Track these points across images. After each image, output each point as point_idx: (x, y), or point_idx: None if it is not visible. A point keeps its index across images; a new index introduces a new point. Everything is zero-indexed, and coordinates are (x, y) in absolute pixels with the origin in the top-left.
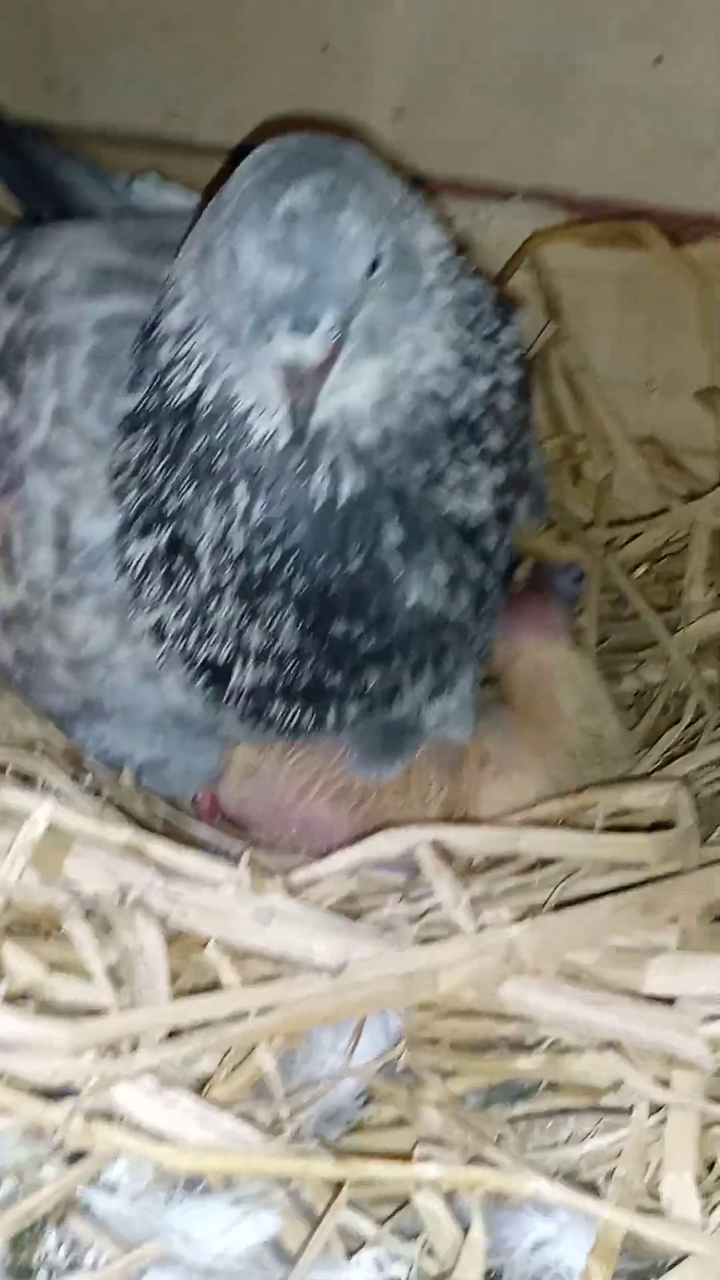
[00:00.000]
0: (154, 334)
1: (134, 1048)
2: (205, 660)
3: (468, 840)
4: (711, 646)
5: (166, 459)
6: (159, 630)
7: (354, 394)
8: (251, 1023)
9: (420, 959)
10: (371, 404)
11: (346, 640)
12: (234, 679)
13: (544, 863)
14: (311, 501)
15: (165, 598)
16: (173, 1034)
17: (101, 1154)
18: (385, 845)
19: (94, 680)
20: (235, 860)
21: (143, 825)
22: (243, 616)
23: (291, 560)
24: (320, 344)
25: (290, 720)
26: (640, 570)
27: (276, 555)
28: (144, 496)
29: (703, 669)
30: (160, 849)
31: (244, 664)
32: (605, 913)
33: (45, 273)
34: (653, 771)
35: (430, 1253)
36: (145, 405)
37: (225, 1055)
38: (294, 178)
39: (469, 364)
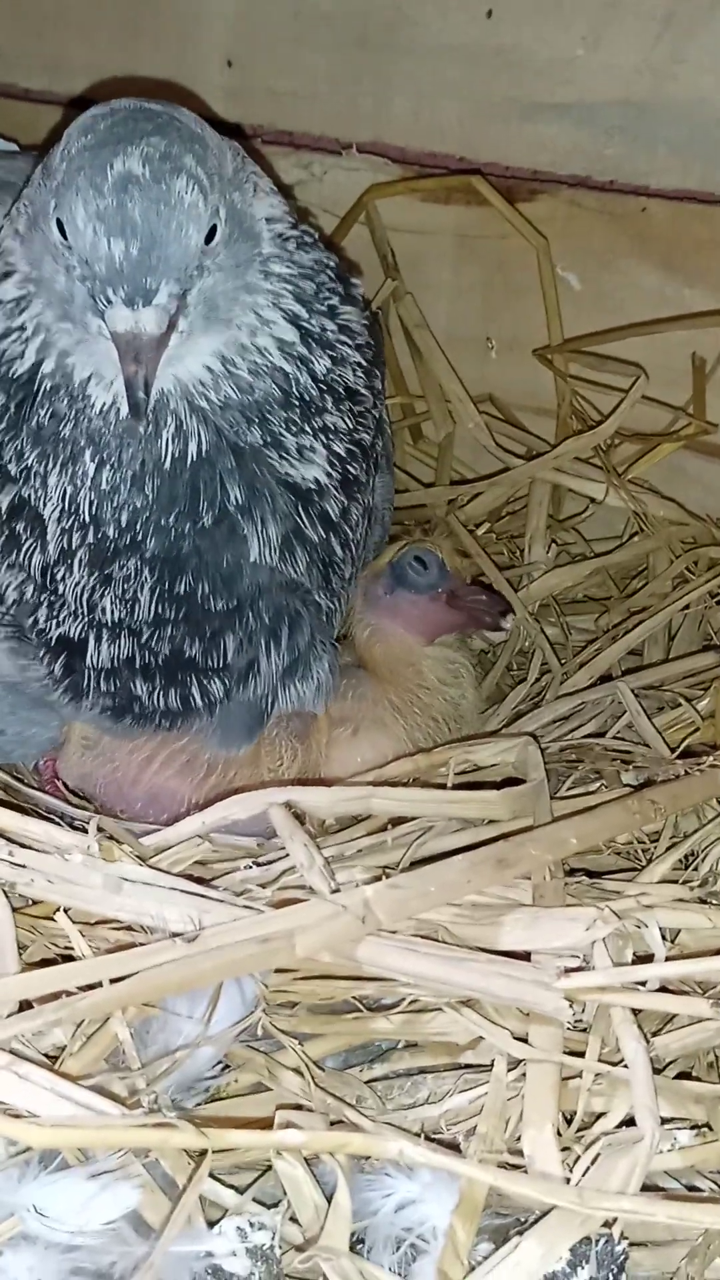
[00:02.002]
0: None
1: None
2: (59, 638)
3: (319, 800)
4: (553, 604)
5: (3, 425)
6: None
7: (192, 364)
8: (104, 992)
9: (275, 922)
10: (211, 374)
11: (202, 602)
12: (89, 656)
13: (397, 822)
14: (159, 462)
15: (6, 563)
16: (22, 1006)
17: None
18: (236, 808)
19: None
20: (83, 828)
21: None
22: (95, 585)
23: (143, 520)
24: (157, 317)
25: (155, 701)
26: (482, 528)
27: (126, 516)
28: None
29: (546, 626)
30: (4, 816)
31: (99, 639)
32: (459, 870)
33: None
34: (501, 729)
35: (293, 1219)
36: None
37: (78, 1026)
38: (125, 143)
39: (307, 340)
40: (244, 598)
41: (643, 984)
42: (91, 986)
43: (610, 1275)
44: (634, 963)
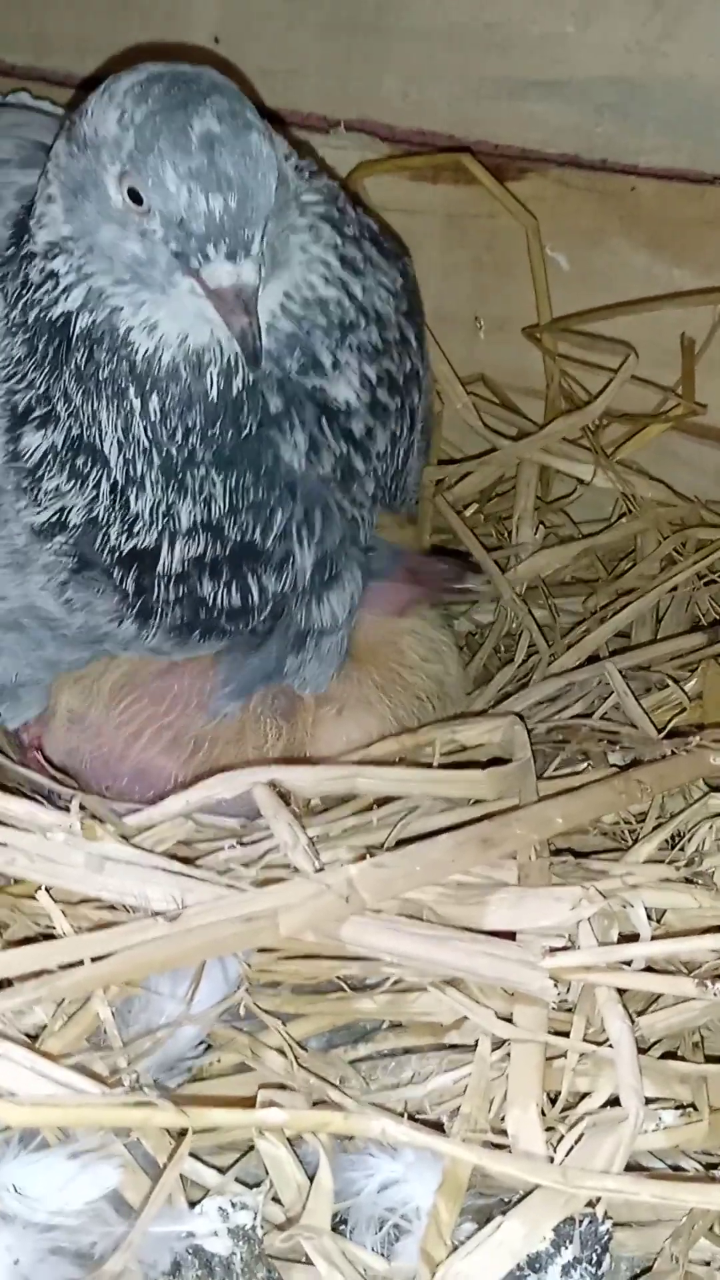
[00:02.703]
0: (22, 249)
1: None
2: (132, 550)
3: (304, 779)
4: (541, 586)
5: (46, 369)
6: (59, 523)
7: (262, 309)
8: (86, 971)
9: (259, 901)
10: (270, 317)
11: (255, 492)
12: (162, 563)
13: (383, 802)
14: (205, 393)
15: (71, 492)
16: (2, 985)
17: None
18: (221, 787)
19: None
20: (65, 806)
21: None
22: (169, 497)
23: (195, 435)
24: (256, 267)
25: (220, 600)
26: (470, 509)
27: (180, 435)
28: (31, 396)
29: (533, 608)
30: None
31: (173, 544)
32: (444, 849)
33: None
34: (488, 710)
35: (275, 1199)
36: (11, 315)
37: (59, 1005)
38: (195, 104)
39: (345, 264)
40: (284, 489)
41: (628, 963)
42: (73, 965)
43: (594, 1255)
44: (619, 942)
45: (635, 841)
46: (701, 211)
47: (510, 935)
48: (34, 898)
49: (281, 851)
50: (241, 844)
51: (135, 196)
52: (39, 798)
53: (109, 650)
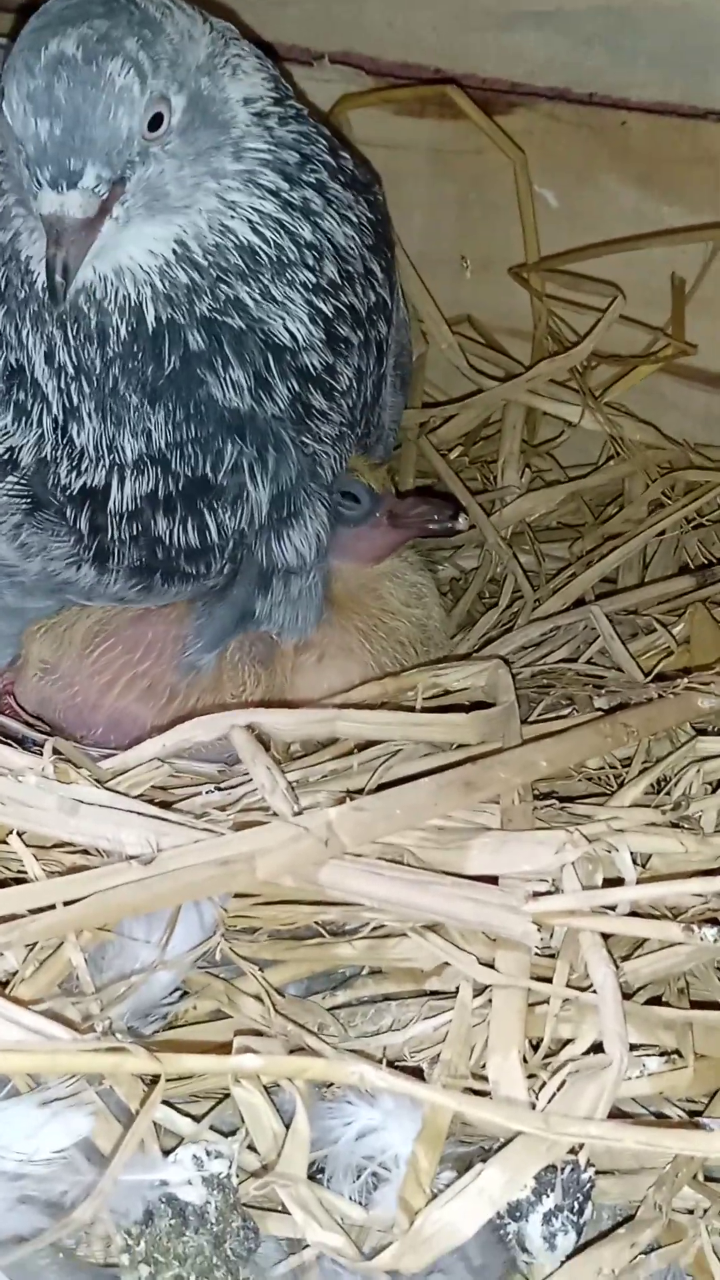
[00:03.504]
0: None
1: None
2: (81, 489)
3: (283, 723)
4: (527, 530)
5: None
6: (10, 462)
7: (136, 251)
8: (57, 915)
9: (236, 845)
10: (160, 259)
11: (200, 427)
12: (112, 500)
13: (363, 747)
14: (115, 329)
15: (19, 430)
16: None
17: None
18: (198, 730)
19: None
20: (39, 750)
21: None
22: (109, 429)
23: (119, 368)
24: (82, 200)
25: (176, 539)
26: (454, 453)
27: (100, 367)
28: None
29: (518, 553)
30: None
31: (121, 480)
32: (426, 793)
33: None
34: (471, 654)
35: (251, 1148)
36: None
37: (30, 950)
38: (66, 25)
39: (289, 209)
40: (228, 425)
41: (612, 908)
42: (44, 910)
43: (576, 1203)
44: (604, 887)
45: (621, 786)
46: (693, 148)
47: (492, 880)
48: (5, 841)
49: (259, 795)
50: (219, 789)
51: (10, 114)
52: (11, 743)
53: (73, 600)
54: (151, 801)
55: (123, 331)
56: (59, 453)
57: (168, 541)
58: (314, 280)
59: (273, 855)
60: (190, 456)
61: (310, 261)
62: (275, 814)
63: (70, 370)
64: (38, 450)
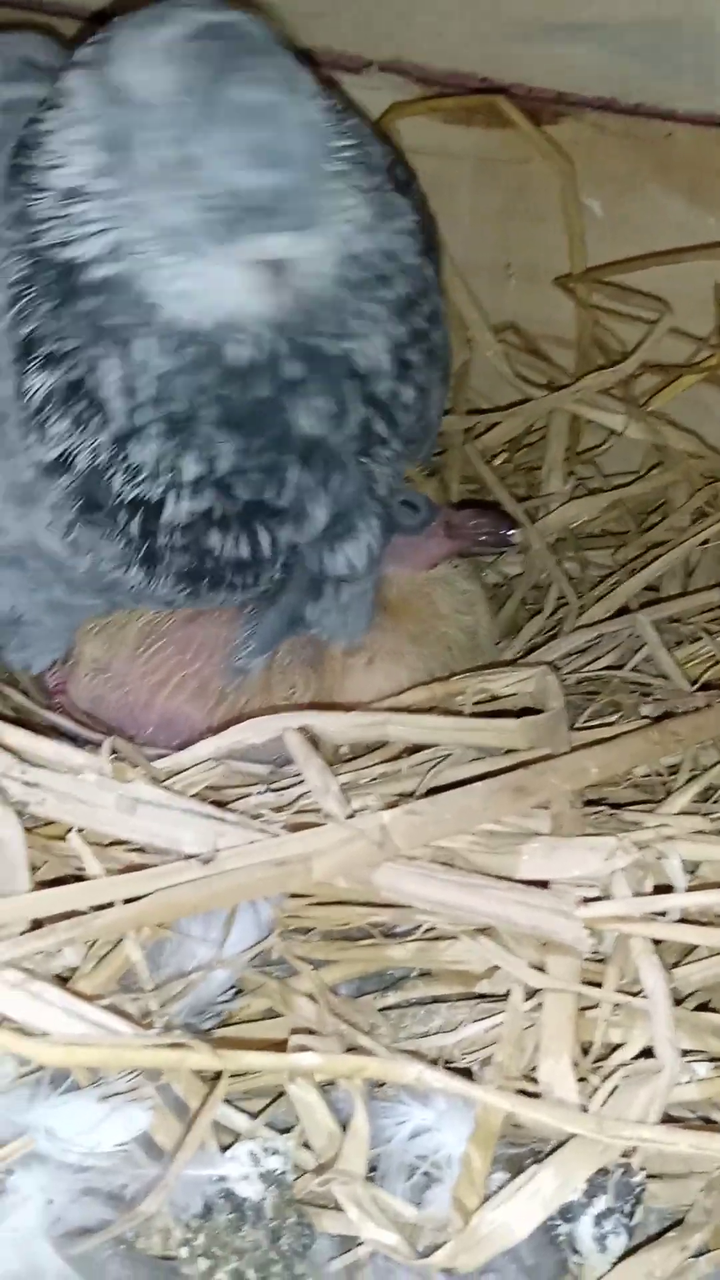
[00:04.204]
0: (30, 177)
1: None
2: (134, 500)
3: (335, 726)
4: (570, 538)
5: (48, 304)
6: (66, 465)
7: (300, 278)
8: (118, 912)
9: (292, 845)
10: (308, 283)
11: (269, 452)
12: (166, 513)
13: (412, 750)
14: (223, 362)
15: (74, 437)
16: (34, 926)
17: None
18: (251, 732)
19: None
20: (96, 748)
21: None
22: (177, 453)
23: (207, 395)
24: (302, 240)
25: (228, 550)
26: (499, 459)
27: (189, 395)
28: (34, 328)
29: (563, 559)
30: (16, 736)
31: (178, 498)
32: (478, 797)
33: None
34: (517, 660)
35: (306, 1145)
36: (16, 240)
37: (90, 947)
38: (252, 67)
39: (373, 214)
40: (300, 452)
41: (663, 915)
42: (104, 907)
43: (627, 1206)
44: (654, 894)
45: (668, 794)
46: None
47: (543, 885)
48: (64, 839)
49: (312, 797)
50: (272, 789)
51: (186, 161)
52: (68, 740)
53: (120, 601)
54: (206, 801)
55: (229, 361)
56: (114, 465)
57: (218, 553)
58: (393, 297)
59: (328, 856)
60: (254, 482)
61: (390, 274)
62: (328, 816)
63: (145, 396)
64: (93, 458)
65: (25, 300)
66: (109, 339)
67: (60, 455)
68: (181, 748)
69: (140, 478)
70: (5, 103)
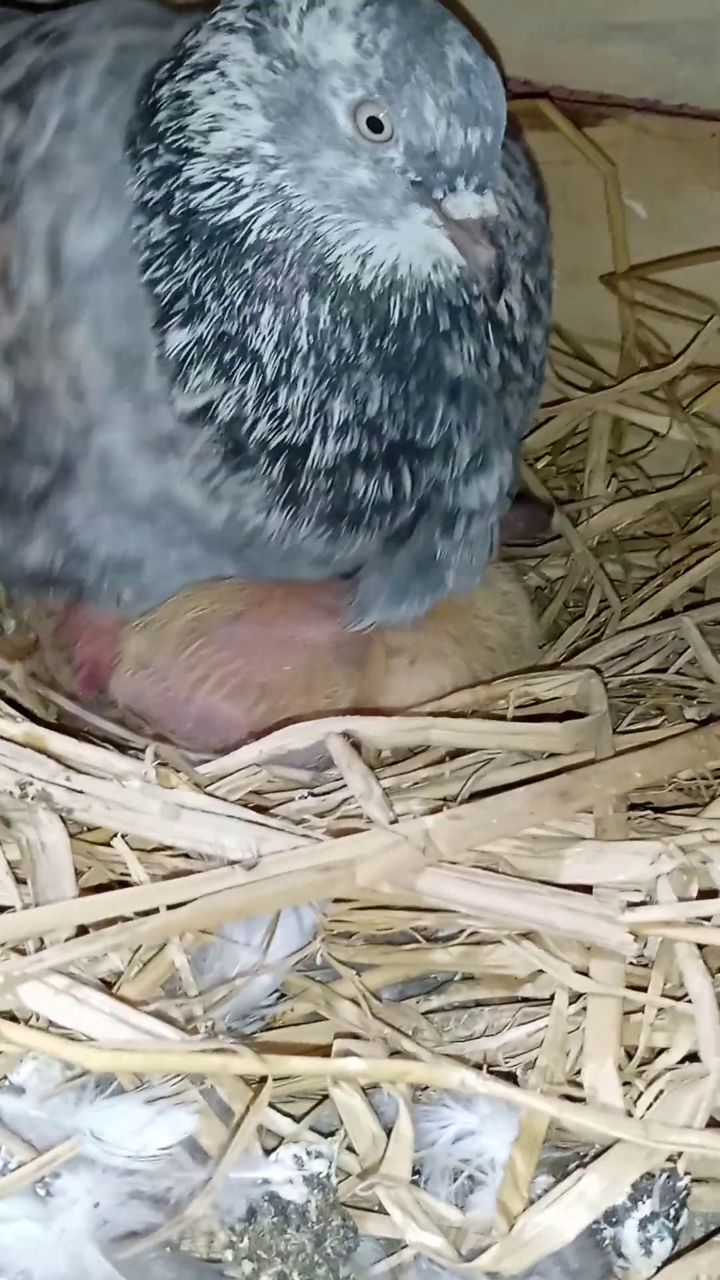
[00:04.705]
0: (181, 140)
1: (40, 946)
2: (280, 444)
3: (378, 730)
4: (613, 540)
5: (198, 265)
6: (209, 414)
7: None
8: (163, 918)
9: (336, 851)
10: (440, 257)
11: (419, 395)
12: (313, 456)
13: (454, 754)
14: (386, 317)
15: (219, 386)
16: (80, 932)
17: (10, 1055)
18: (294, 737)
19: (86, 429)
20: (139, 754)
21: (37, 720)
22: (321, 396)
23: (363, 345)
24: (495, 200)
25: (370, 492)
26: (541, 462)
27: (347, 344)
28: (175, 286)
29: (605, 563)
30: (60, 742)
31: (324, 440)
32: (521, 802)
33: (77, 14)
34: (560, 664)
35: (350, 1149)
36: (149, 197)
37: (135, 952)
38: (442, 32)
39: (509, 170)
40: (447, 392)
41: (708, 919)
42: (149, 913)
43: (672, 1210)
44: (698, 898)
45: (712, 798)
46: None
47: (587, 889)
48: (110, 845)
49: (356, 802)
50: (314, 794)
51: (375, 125)
52: (111, 747)
53: (252, 559)
54: (249, 806)
55: (394, 317)
56: (260, 411)
57: (361, 495)
58: (527, 252)
59: (371, 862)
60: (402, 422)
61: (522, 228)
62: (372, 821)
63: (302, 346)
64: (239, 406)
65: (161, 254)
66: (270, 296)
67: (205, 404)
68: (220, 744)
69: (286, 422)
70: (119, 45)
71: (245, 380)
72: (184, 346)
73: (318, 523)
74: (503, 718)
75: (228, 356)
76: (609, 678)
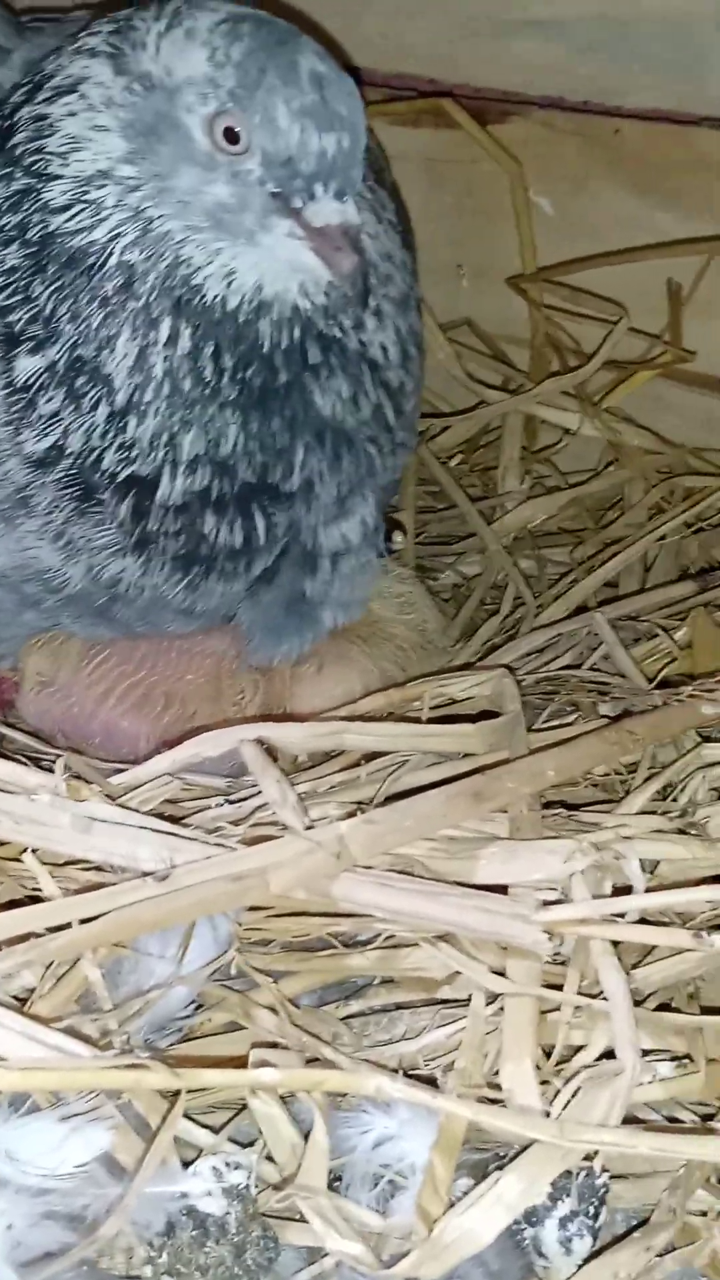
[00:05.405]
0: (38, 163)
1: None
2: (129, 478)
3: (292, 736)
4: (527, 537)
5: (56, 289)
6: (59, 448)
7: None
8: (74, 933)
9: (249, 860)
10: (311, 277)
11: (280, 436)
12: (160, 493)
13: (370, 757)
14: (255, 344)
15: (69, 413)
16: None
17: None
18: (207, 745)
19: None
20: (49, 766)
21: None
22: (176, 429)
23: (225, 376)
24: (357, 205)
25: (221, 538)
26: (455, 460)
27: (208, 373)
28: (26, 314)
29: (519, 559)
30: None
31: (173, 476)
32: (435, 804)
33: None
34: (475, 663)
35: (269, 1158)
36: (13, 225)
37: (47, 968)
38: (294, 43)
39: (375, 212)
40: (313, 435)
41: (622, 916)
42: (61, 928)
43: (591, 1208)
44: (613, 895)
45: (627, 793)
46: (687, 153)
47: (502, 889)
48: (20, 860)
49: (270, 809)
50: (229, 802)
51: (231, 137)
52: (22, 759)
53: (119, 616)
54: (162, 816)
55: (262, 342)
56: (108, 441)
57: (213, 539)
58: (394, 295)
59: (285, 869)
60: (259, 464)
61: (390, 271)
62: (287, 828)
63: (156, 373)
64: (86, 436)
65: (14, 282)
66: (129, 320)
67: (53, 442)
68: (128, 757)
69: (134, 453)
70: None
71: (95, 407)
72: (35, 373)
73: (172, 570)
74: (418, 720)
75: (79, 382)
76: (524, 675)
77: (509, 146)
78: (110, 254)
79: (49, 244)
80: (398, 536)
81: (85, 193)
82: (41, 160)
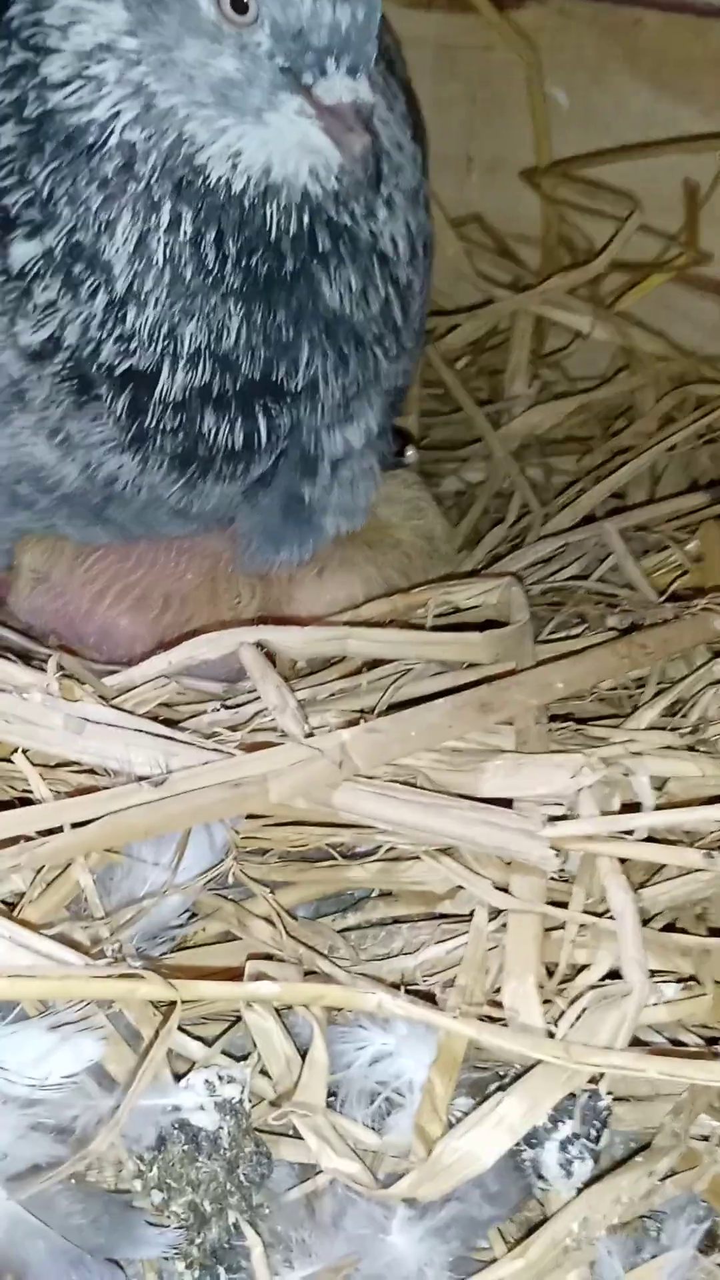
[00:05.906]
0: (37, 36)
1: None
2: (126, 371)
3: (292, 641)
4: (534, 444)
5: (54, 169)
6: (56, 339)
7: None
8: (66, 837)
9: (248, 766)
10: (322, 160)
11: (285, 329)
12: (160, 388)
13: (372, 665)
14: (261, 229)
15: (66, 303)
16: None
17: None
18: (205, 648)
19: None
20: (42, 665)
21: None
22: (174, 318)
23: (229, 263)
24: (371, 85)
25: (220, 438)
26: (461, 362)
27: (210, 259)
28: (23, 196)
29: (526, 467)
30: None
31: (173, 369)
32: (440, 714)
33: None
34: (479, 571)
35: (263, 1072)
36: (8, 102)
37: (38, 873)
38: None
39: (387, 102)
40: (320, 329)
41: (630, 833)
42: (52, 831)
43: (593, 1131)
44: (621, 812)
45: (635, 709)
46: (705, 48)
47: (507, 803)
48: (10, 760)
49: (269, 715)
50: (226, 707)
51: (239, 6)
52: (13, 657)
53: (114, 518)
54: (158, 720)
55: (269, 228)
56: (107, 332)
57: (211, 439)
58: (405, 187)
59: (285, 777)
60: (264, 359)
61: (401, 161)
62: (286, 735)
63: (157, 259)
64: (84, 326)
65: (11, 162)
66: (129, 203)
67: (49, 334)
68: (123, 659)
69: (133, 345)
70: None
71: (93, 296)
72: (31, 260)
73: (169, 468)
74: (421, 627)
75: (77, 269)
76: (530, 585)
77: (526, 33)
78: (111, 132)
79: (46, 122)
80: (410, 450)
81: (85, 67)
82: (39, 33)
